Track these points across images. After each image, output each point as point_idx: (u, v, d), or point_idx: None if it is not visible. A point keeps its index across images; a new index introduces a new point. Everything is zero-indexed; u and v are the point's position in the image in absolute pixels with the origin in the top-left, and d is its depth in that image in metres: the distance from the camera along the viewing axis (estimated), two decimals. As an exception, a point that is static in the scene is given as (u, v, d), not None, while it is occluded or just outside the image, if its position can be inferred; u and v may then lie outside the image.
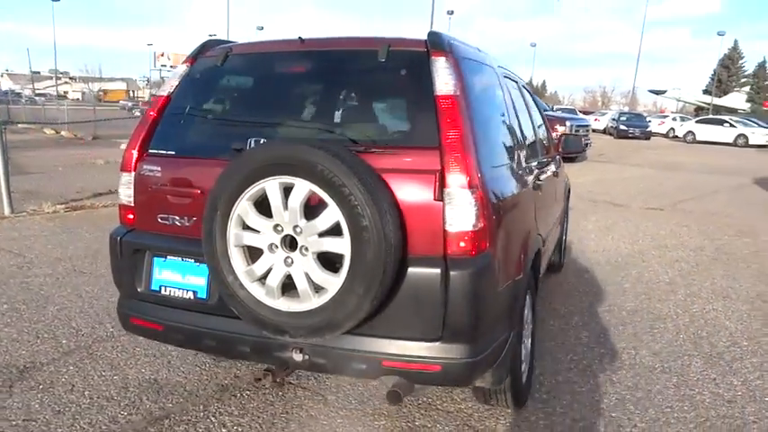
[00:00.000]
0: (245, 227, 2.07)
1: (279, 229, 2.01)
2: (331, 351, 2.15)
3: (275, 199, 1.99)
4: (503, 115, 2.76)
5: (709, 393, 3.01)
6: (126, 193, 2.55)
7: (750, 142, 29.07)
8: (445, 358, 2.07)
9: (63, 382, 3.05)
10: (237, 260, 2.08)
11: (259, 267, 2.06)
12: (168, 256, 2.44)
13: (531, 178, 2.91)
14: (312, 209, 1.98)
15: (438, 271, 2.01)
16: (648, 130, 31.04)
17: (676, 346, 3.62)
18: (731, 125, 30.74)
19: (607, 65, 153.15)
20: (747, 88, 62.68)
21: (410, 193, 2.04)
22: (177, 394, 2.95)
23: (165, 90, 2.58)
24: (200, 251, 2.34)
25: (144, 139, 2.52)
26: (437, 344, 2.08)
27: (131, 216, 2.57)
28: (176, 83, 2.58)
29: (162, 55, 68.97)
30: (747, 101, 57.58)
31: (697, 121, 33.31)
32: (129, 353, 3.42)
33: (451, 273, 2.01)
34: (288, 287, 2.05)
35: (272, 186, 1.99)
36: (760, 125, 31.57)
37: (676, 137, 32.87)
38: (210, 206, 2.09)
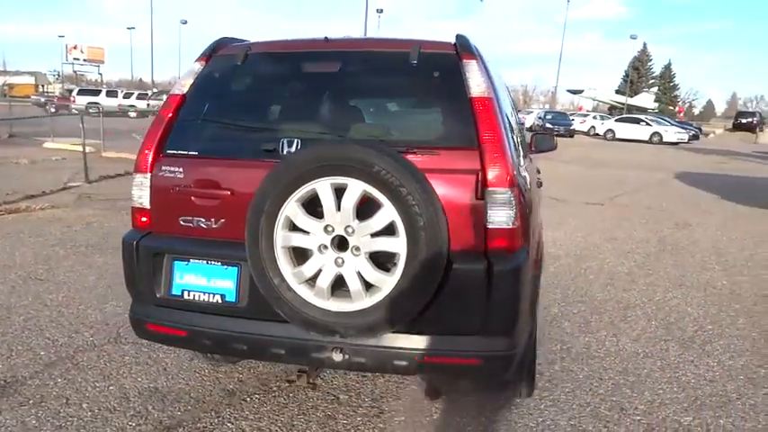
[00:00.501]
0: (293, 228, 2.04)
1: (329, 229, 2.01)
2: (371, 349, 2.17)
3: (327, 200, 1.98)
4: (510, 115, 2.86)
5: (692, 375, 3.25)
6: (140, 195, 2.45)
7: (664, 140, 31.16)
8: (485, 351, 2.14)
9: (55, 395, 2.89)
10: (284, 262, 2.06)
11: (309, 269, 2.04)
12: (191, 260, 2.37)
13: (535, 175, 3.04)
14: (361, 209, 1.99)
15: (482, 267, 2.07)
16: (572, 128, 32.56)
17: (651, 333, 3.87)
18: (647, 124, 32.86)
19: (526, 65, 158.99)
20: (655, 89, 67.12)
21: (452, 192, 2.09)
22: (184, 402, 2.86)
23: (179, 89, 2.49)
24: (228, 253, 2.30)
25: (160, 139, 2.42)
26: (477, 338, 2.14)
27: (145, 219, 2.47)
28: (190, 82, 2.49)
29: (75, 48, 65.05)
30: (655, 101, 61.65)
31: (616, 120, 35.31)
32: (118, 362, 3.27)
33: (495, 268, 2.07)
34: (336, 287, 2.05)
35: (323, 187, 1.98)
36: (672, 124, 33.93)
37: (597, 134, 34.63)
38: (256, 208, 2.05)
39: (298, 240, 2.04)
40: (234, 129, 2.51)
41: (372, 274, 1.99)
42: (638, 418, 2.79)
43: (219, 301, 2.33)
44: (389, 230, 1.96)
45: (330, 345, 2.19)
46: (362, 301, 2.01)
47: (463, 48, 2.30)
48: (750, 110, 64.34)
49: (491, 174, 2.10)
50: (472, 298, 2.09)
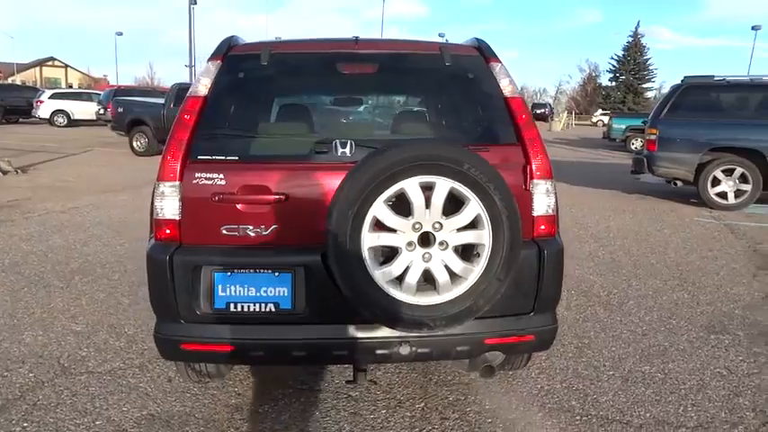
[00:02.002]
0: (379, 228, 2.06)
1: (417, 227, 2.06)
2: (435, 339, 2.27)
3: (417, 198, 2.03)
4: None
5: (627, 331, 3.83)
6: (167, 206, 2.24)
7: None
8: (538, 327, 2.37)
9: (35, 443, 2.51)
10: (371, 262, 2.06)
11: (397, 267, 2.07)
12: (235, 271, 2.24)
13: None
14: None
15: (535, 251, 2.29)
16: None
17: (576, 301, 4.43)
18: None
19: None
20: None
21: (510, 185, 2.27)
22: (193, 424, 2.67)
23: (200, 91, 2.31)
24: (280, 260, 2.23)
25: (188, 144, 2.24)
26: (530, 316, 2.36)
27: (170, 230, 2.27)
28: (208, 82, 2.33)
29: None
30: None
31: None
32: (84, 394, 2.92)
33: (544, 252, 2.31)
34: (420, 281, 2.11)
35: (411, 186, 2.02)
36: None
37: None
38: (342, 209, 2.02)
39: (385, 240, 2.06)
40: (274, 131, 2.40)
41: (459, 266, 2.10)
42: (611, 372, 3.24)
43: (273, 310, 2.24)
44: (473, 224, 2.09)
45: (396, 340, 2.25)
46: (449, 293, 2.11)
47: (488, 51, 2.48)
48: (541, 101, 73.20)
49: (535, 166, 2.32)
50: (527, 280, 2.30)
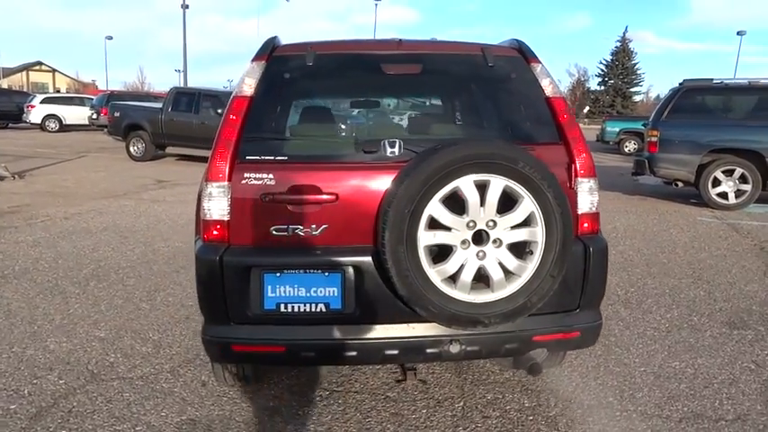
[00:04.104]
0: (434, 226, 2.07)
1: (471, 225, 2.07)
2: (485, 337, 2.28)
3: (472, 196, 2.04)
4: None
5: (650, 329, 3.86)
6: (216, 207, 2.23)
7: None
8: (583, 324, 2.39)
9: (76, 449, 2.49)
10: (426, 261, 2.07)
11: (452, 265, 2.08)
12: (285, 271, 2.24)
13: None
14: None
15: (581, 248, 2.31)
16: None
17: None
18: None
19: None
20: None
21: None
22: (235, 428, 2.65)
23: (246, 91, 2.31)
24: (330, 260, 2.23)
25: (236, 144, 2.24)
26: (576, 312, 2.38)
27: (218, 231, 2.26)
28: (253, 82, 2.33)
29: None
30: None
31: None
32: (119, 400, 2.89)
33: (590, 249, 2.33)
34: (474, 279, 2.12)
35: (466, 184, 2.03)
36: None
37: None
38: (398, 208, 2.02)
39: (441, 238, 2.07)
40: (321, 131, 2.40)
41: (513, 263, 2.11)
42: (642, 368, 3.26)
43: (324, 310, 2.24)
44: (527, 221, 2.10)
45: (446, 338, 2.25)
46: (504, 290, 2.12)
47: (529, 52, 2.50)
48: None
49: (579, 165, 2.34)
50: (573, 277, 2.32)
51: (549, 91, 2.42)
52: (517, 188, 2.06)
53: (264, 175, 2.21)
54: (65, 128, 25.33)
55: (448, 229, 2.07)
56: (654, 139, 8.54)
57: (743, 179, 8.33)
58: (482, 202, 2.06)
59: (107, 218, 7.41)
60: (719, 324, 3.95)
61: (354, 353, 2.27)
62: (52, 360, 3.32)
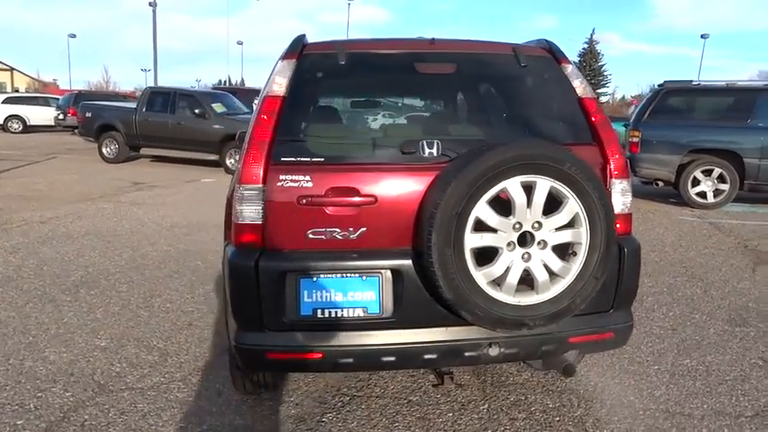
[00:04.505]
0: (480, 228, 2.04)
1: (517, 226, 2.05)
2: (523, 339, 2.26)
3: (519, 197, 2.02)
4: None
5: (657, 327, 3.91)
6: (250, 210, 2.16)
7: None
8: (616, 325, 2.39)
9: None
10: (471, 263, 2.03)
11: (498, 267, 2.05)
12: (321, 275, 2.18)
13: None
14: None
15: (616, 249, 2.31)
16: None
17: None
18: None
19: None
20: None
21: None
22: (260, 437, 2.59)
23: (277, 90, 2.24)
24: (368, 264, 2.19)
25: (270, 145, 2.17)
26: (609, 313, 2.38)
27: (252, 236, 2.19)
28: (285, 81, 2.26)
29: None
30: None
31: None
32: (133, 411, 2.78)
33: (625, 249, 2.33)
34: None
35: (513, 185, 2.01)
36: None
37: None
38: (446, 210, 1.97)
39: (487, 240, 2.04)
40: (357, 131, 2.35)
41: (558, 265, 2.10)
42: (656, 367, 3.30)
43: (362, 315, 2.19)
44: (571, 223, 2.09)
45: (485, 341, 2.23)
46: (548, 292, 2.10)
47: (559, 53, 2.49)
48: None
49: (613, 165, 2.35)
50: (608, 278, 2.31)
51: (580, 91, 2.42)
52: (563, 189, 2.05)
53: (301, 178, 2.15)
54: (29, 129, 24.51)
55: (494, 230, 2.04)
56: (635, 139, 8.70)
57: (721, 179, 8.55)
58: (528, 204, 2.04)
59: (87, 222, 7.17)
60: (721, 322, 4.03)
61: (393, 358, 2.22)
62: (54, 371, 3.18)
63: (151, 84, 23.63)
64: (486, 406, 2.85)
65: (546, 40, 2.56)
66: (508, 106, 2.56)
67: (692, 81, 8.97)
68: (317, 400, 2.90)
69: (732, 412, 2.81)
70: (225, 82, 54.78)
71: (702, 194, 8.66)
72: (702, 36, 44.71)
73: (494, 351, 2.24)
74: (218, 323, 3.89)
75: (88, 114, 13.38)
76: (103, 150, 13.37)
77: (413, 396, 2.94)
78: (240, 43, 64.54)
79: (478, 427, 2.67)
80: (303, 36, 2.40)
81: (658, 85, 9.13)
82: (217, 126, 12.52)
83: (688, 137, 8.54)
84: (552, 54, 2.50)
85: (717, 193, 8.62)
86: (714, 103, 8.99)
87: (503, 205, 2.05)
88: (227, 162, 12.49)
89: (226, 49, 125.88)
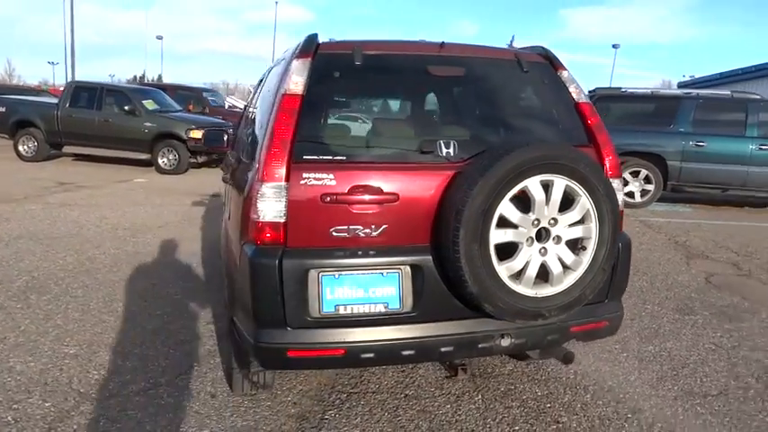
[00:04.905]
0: (502, 224, 2.13)
1: (536, 222, 2.16)
2: (531, 329, 2.38)
3: (538, 195, 2.13)
4: None
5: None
6: (272, 208, 2.15)
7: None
8: (611, 314, 2.56)
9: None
10: (495, 258, 2.13)
11: (519, 261, 2.15)
12: (344, 272, 2.20)
13: None
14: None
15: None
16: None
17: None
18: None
19: (215, 62, 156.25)
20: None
21: None
22: None
23: (295, 89, 2.23)
24: (388, 261, 2.24)
25: (291, 144, 2.17)
26: (605, 303, 2.55)
27: (271, 234, 2.18)
28: (301, 80, 2.26)
29: None
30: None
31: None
32: (129, 418, 2.68)
33: (620, 244, 2.51)
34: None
35: (534, 184, 2.12)
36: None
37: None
38: (474, 207, 2.05)
39: (509, 235, 2.14)
40: (375, 131, 2.38)
41: (570, 258, 2.23)
42: (624, 354, 3.54)
43: (383, 311, 2.23)
44: (583, 219, 2.23)
45: (497, 332, 2.33)
46: (561, 284, 2.23)
47: (554, 59, 2.64)
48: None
49: (609, 165, 2.52)
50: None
51: (576, 96, 2.58)
52: (576, 187, 2.18)
53: (324, 176, 2.16)
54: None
55: (515, 226, 2.15)
56: (570, 142, 9.17)
57: (647, 180, 9.20)
58: (546, 201, 2.16)
59: (15, 224, 6.69)
60: (671, 311, 4.37)
61: (412, 352, 2.28)
62: (25, 382, 2.99)
63: (61, 78, 22.23)
64: (480, 396, 2.96)
65: (543, 48, 2.70)
66: (513, 109, 2.67)
67: (620, 88, 9.59)
68: (315, 399, 2.90)
69: (699, 392, 3.08)
70: (140, 78, 52.42)
71: (631, 194, 9.28)
72: (614, 46, 47.65)
73: (505, 342, 2.34)
74: (192, 326, 3.79)
75: (2, 109, 12.44)
76: (20, 148, 12.48)
77: (408, 390, 3.01)
78: (160, 38, 61.76)
79: (478, 416, 2.78)
80: (315, 35, 2.41)
81: (590, 92, 9.68)
82: (148, 124, 12.01)
83: (618, 140, 9.01)
84: (549, 61, 2.64)
85: (643, 193, 9.26)
86: (641, 109, 9.66)
87: (523, 203, 2.15)
88: (160, 161, 12.02)
89: (143, 44, 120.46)
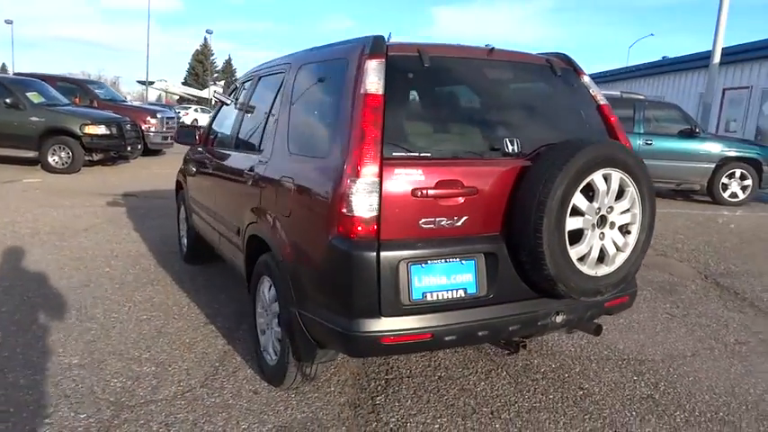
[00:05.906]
0: (574, 213, 2.38)
1: (598, 210, 2.44)
2: (577, 306, 2.66)
3: (601, 186, 2.41)
4: None
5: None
6: (365, 202, 2.23)
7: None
8: (631, 290, 2.92)
9: None
10: (567, 243, 2.38)
11: (585, 245, 2.41)
12: (429, 261, 2.35)
13: None
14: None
15: None
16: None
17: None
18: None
19: (72, 51, 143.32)
20: (222, 82, 71.37)
21: None
22: (333, 426, 2.63)
23: (376, 89, 2.32)
24: (466, 249, 2.43)
25: (381, 141, 2.27)
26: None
27: (362, 227, 2.26)
28: (377, 80, 2.36)
29: None
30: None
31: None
32: (183, 421, 2.61)
33: None
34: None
35: (598, 177, 2.40)
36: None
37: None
38: (556, 198, 2.29)
39: (579, 223, 2.40)
40: (451, 129, 2.54)
41: (621, 241, 2.54)
42: (605, 326, 3.98)
43: (463, 295, 2.41)
44: (631, 206, 2.55)
45: (553, 310, 2.60)
46: (614, 264, 2.53)
47: (575, 64, 2.95)
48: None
49: None
50: None
51: (598, 98, 2.91)
52: (627, 179, 2.50)
53: (414, 171, 2.29)
54: None
55: (583, 214, 2.42)
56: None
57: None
58: (607, 192, 2.45)
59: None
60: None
61: (487, 332, 2.47)
62: (37, 398, 2.78)
63: None
64: (505, 372, 3.22)
65: (564, 54, 3.00)
66: (552, 109, 2.91)
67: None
68: (357, 387, 2.99)
69: (678, 354, 3.58)
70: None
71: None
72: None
73: (559, 318, 2.61)
74: (190, 328, 3.69)
75: None
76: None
77: (439, 372, 3.19)
78: (9, 22, 55.30)
79: (513, 389, 3.03)
80: (383, 37, 2.50)
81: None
82: (34, 119, 10.96)
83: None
84: (572, 66, 2.95)
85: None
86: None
87: (587, 194, 2.43)
88: (50, 159, 11.01)
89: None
